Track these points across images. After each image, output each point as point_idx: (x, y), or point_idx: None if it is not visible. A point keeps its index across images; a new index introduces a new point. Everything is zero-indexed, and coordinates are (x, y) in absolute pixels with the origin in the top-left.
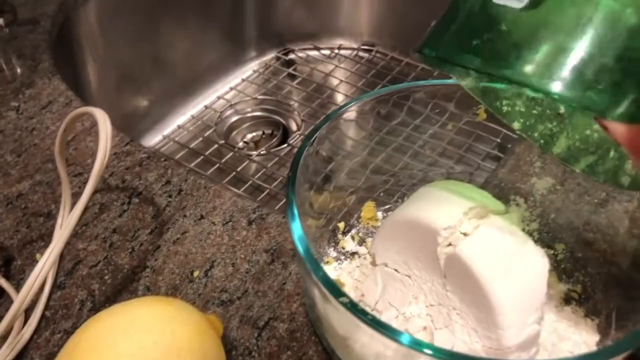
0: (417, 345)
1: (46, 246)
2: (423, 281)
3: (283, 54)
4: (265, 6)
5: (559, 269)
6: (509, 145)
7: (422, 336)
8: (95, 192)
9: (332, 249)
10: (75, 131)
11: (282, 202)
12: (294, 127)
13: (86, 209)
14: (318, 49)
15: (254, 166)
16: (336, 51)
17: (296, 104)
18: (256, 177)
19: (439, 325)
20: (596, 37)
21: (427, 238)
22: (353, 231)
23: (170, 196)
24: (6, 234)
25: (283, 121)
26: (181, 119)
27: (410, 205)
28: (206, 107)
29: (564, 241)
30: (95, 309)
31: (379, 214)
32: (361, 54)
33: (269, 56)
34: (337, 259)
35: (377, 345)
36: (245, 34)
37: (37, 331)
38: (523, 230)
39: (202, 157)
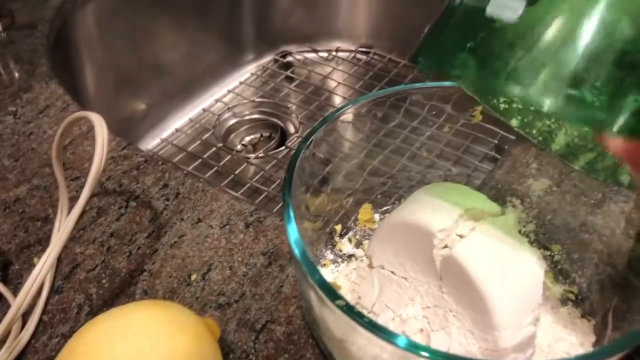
0: (413, 347)
1: (44, 250)
2: (419, 283)
3: (281, 57)
4: (262, 9)
5: (556, 270)
6: (506, 147)
7: (418, 338)
8: (93, 196)
9: (329, 252)
10: (73, 135)
11: (281, 204)
12: (291, 129)
13: (84, 213)
14: (316, 51)
15: (252, 169)
16: (334, 53)
17: (294, 107)
18: (254, 179)
19: (435, 327)
20: (592, 49)
21: (423, 240)
22: (350, 233)
23: (167, 200)
24: (4, 239)
25: (281, 124)
26: (179, 122)
27: (407, 207)
28: (204, 110)
29: (560, 242)
30: (93, 313)
31: (376, 216)
32: (359, 56)
33: (267, 59)
34: (334, 261)
35: (373, 348)
36: (242, 36)
37: (34, 335)
38: (519, 231)
39: (200, 160)
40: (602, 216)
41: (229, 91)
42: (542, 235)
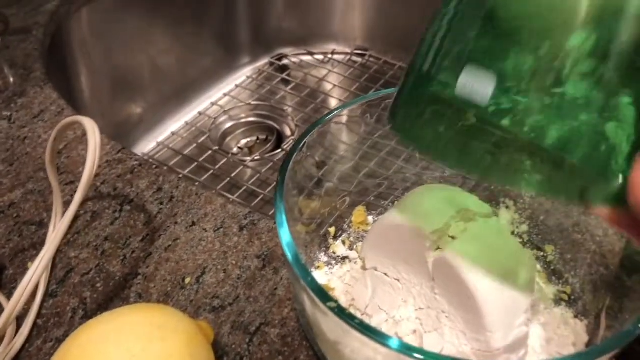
0: (406, 349)
1: (38, 255)
2: (412, 285)
3: (276, 60)
4: (258, 12)
5: (549, 271)
6: None
7: (411, 339)
8: (87, 200)
9: (323, 254)
10: (67, 140)
11: None
12: (288, 132)
13: (78, 217)
14: (311, 54)
15: (248, 172)
16: (329, 56)
17: (290, 109)
18: (250, 182)
19: (428, 329)
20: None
21: (415, 242)
22: (344, 236)
23: (161, 203)
24: None
25: (277, 126)
26: (175, 126)
27: (399, 209)
28: (200, 113)
29: (554, 243)
30: (88, 317)
31: (370, 218)
32: (354, 58)
33: (263, 62)
34: (328, 263)
35: (367, 350)
36: (238, 40)
37: (29, 340)
38: (512, 232)
39: (196, 163)
40: (595, 216)
41: (225, 94)
42: (535, 236)
